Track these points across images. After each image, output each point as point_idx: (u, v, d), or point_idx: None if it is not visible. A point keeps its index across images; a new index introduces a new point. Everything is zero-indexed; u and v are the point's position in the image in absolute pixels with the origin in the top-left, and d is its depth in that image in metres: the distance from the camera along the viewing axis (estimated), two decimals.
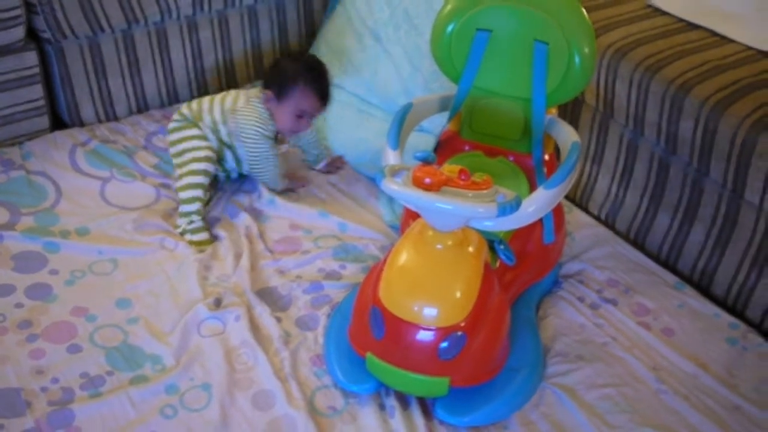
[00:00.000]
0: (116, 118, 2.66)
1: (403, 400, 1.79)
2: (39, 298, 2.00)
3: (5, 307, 1.96)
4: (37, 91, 2.49)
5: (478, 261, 1.73)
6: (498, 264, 1.86)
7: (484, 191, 1.60)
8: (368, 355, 1.76)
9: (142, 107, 2.70)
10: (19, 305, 1.97)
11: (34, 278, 2.05)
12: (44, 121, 2.55)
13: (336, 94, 2.69)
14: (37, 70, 2.46)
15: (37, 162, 2.42)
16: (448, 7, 1.91)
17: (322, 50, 2.78)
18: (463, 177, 1.61)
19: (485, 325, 1.72)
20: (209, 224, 2.24)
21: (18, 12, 2.31)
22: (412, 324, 1.69)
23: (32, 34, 2.43)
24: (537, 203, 1.73)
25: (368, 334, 1.76)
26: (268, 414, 1.75)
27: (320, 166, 2.49)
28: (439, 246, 1.71)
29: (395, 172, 1.66)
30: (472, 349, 1.71)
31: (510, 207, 1.59)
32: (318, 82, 2.26)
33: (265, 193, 2.34)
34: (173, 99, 2.74)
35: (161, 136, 2.56)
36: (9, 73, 2.40)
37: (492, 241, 1.84)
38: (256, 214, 2.31)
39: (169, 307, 1.99)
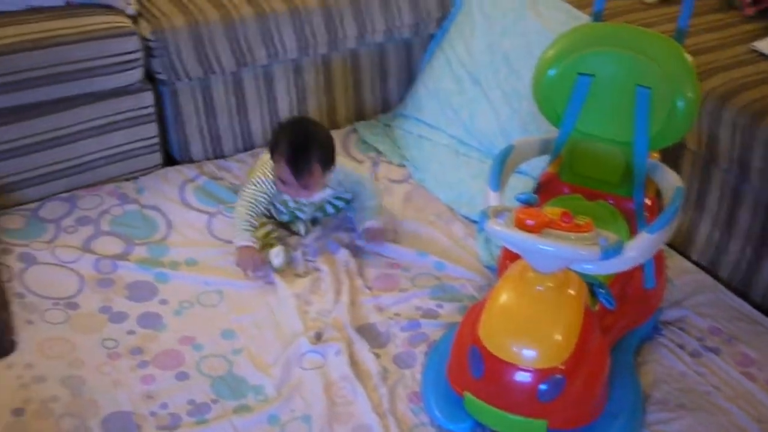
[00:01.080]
0: (223, 156, 2.77)
1: None
2: (150, 326, 2.09)
3: (119, 334, 2.06)
4: (152, 129, 2.62)
5: (578, 303, 1.73)
6: (597, 307, 1.86)
7: (586, 234, 1.61)
8: (466, 394, 1.78)
9: (248, 146, 2.80)
10: (131, 332, 2.07)
11: (146, 307, 2.15)
12: (157, 158, 2.67)
13: (434, 136, 2.76)
14: (152, 109, 2.59)
15: (149, 196, 2.54)
16: (551, 51, 1.94)
17: (420, 93, 2.85)
18: (565, 219, 1.63)
19: (585, 368, 1.72)
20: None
21: (138, 55, 2.45)
22: (512, 365, 1.70)
23: (149, 76, 2.57)
24: (639, 247, 1.73)
25: (467, 373, 1.78)
26: None
27: (360, 242, 2.39)
28: (539, 287, 1.73)
29: (498, 213, 1.69)
30: (571, 392, 1.71)
31: (613, 250, 1.59)
32: (288, 152, 2.18)
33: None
34: None
35: None
36: (127, 112, 2.54)
37: (592, 285, 1.84)
38: (356, 251, 2.36)
39: (272, 339, 2.06)
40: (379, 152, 2.81)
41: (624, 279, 1.96)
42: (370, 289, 2.25)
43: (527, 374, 1.70)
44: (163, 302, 2.17)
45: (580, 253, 1.58)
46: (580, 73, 1.90)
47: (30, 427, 1.79)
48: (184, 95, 2.64)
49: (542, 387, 1.69)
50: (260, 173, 2.30)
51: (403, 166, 2.74)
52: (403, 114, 2.93)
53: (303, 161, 2.18)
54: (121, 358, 2.00)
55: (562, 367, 1.69)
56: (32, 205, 2.48)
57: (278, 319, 2.12)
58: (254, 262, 2.23)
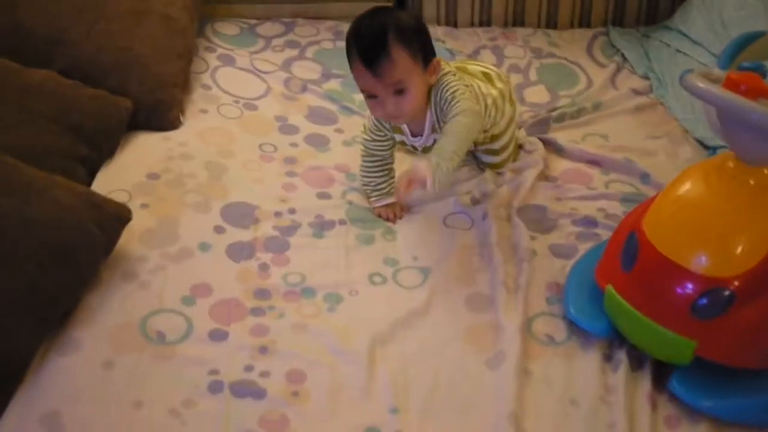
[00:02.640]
0: (455, 25, 2.58)
1: (637, 359, 1.45)
2: (315, 145, 2.00)
3: (282, 142, 1.99)
4: None
5: None
6: None
7: None
8: (608, 288, 1.45)
9: (483, 21, 2.58)
10: (294, 144, 2.00)
11: (320, 130, 2.07)
12: None
13: (693, 52, 2.39)
14: None
15: None
16: None
17: (693, 2, 2.45)
18: None
19: (765, 297, 1.33)
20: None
21: None
22: (671, 262, 1.35)
23: None
24: None
25: (616, 262, 1.45)
26: (475, 316, 1.53)
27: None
28: (736, 183, 1.36)
29: (707, 75, 1.34)
30: (737, 317, 1.32)
31: None
32: (357, 38, 1.63)
33: None
34: (518, 21, 2.59)
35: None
36: None
37: None
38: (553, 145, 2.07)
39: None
40: (624, 59, 2.46)
41: None
42: (556, 179, 1.95)
43: (686, 278, 1.33)
44: (339, 131, 2.07)
45: None
46: None
47: (157, 190, 1.75)
48: None
49: (701, 299, 1.32)
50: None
51: (647, 78, 2.37)
52: (667, 26, 2.55)
53: (376, 44, 1.58)
54: (273, 162, 1.92)
55: (734, 282, 1.31)
56: (253, 21, 2.48)
57: None
58: (390, 216, 1.78)
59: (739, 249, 1.32)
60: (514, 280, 1.61)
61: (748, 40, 1.55)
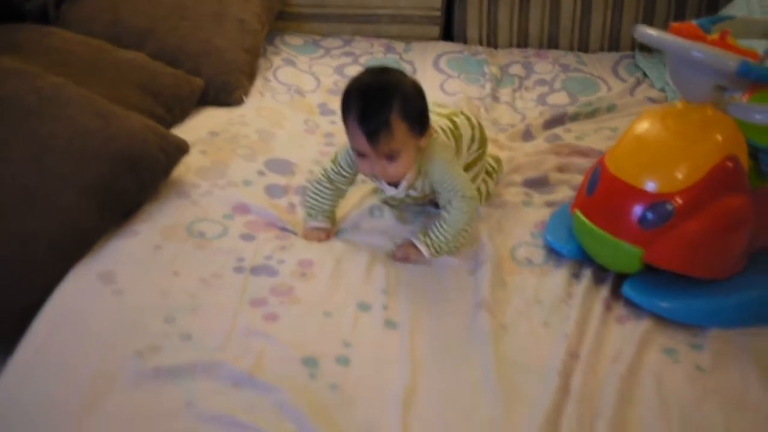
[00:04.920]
0: (496, 46, 2.90)
1: (600, 277, 1.69)
2: None
3: (324, 123, 2.32)
4: (437, 2, 2.85)
5: (715, 145, 1.56)
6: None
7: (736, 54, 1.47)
8: (576, 211, 1.70)
9: (522, 43, 2.89)
10: (333, 123, 2.31)
11: None
12: (435, 31, 2.90)
13: None
14: None
15: (412, 54, 2.77)
16: None
17: None
18: (720, 39, 1.51)
19: (705, 212, 1.55)
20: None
21: None
22: (624, 183, 1.60)
23: None
24: None
25: (583, 191, 1.71)
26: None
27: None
28: (682, 119, 1.61)
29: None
30: (678, 228, 1.55)
31: (756, 69, 1.44)
32: (358, 103, 1.60)
33: None
34: (552, 44, 2.89)
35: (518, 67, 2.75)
36: None
37: (756, 149, 1.64)
38: None
39: None
40: (645, 75, 2.71)
41: None
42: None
43: (634, 195, 1.58)
44: None
45: (716, 57, 1.45)
46: None
47: (215, 143, 2.10)
48: None
49: (648, 213, 1.56)
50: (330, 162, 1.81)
51: (664, 91, 2.62)
52: None
53: (378, 113, 1.57)
54: (315, 134, 2.24)
55: (676, 198, 1.55)
56: (318, 36, 2.86)
57: None
58: (320, 238, 1.78)
59: (681, 171, 1.56)
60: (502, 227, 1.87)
61: (718, 19, 1.81)
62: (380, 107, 1.59)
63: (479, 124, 1.96)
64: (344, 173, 1.78)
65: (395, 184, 1.75)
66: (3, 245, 1.58)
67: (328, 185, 1.80)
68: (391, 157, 1.63)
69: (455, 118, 1.86)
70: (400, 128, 1.60)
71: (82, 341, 1.44)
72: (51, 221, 1.63)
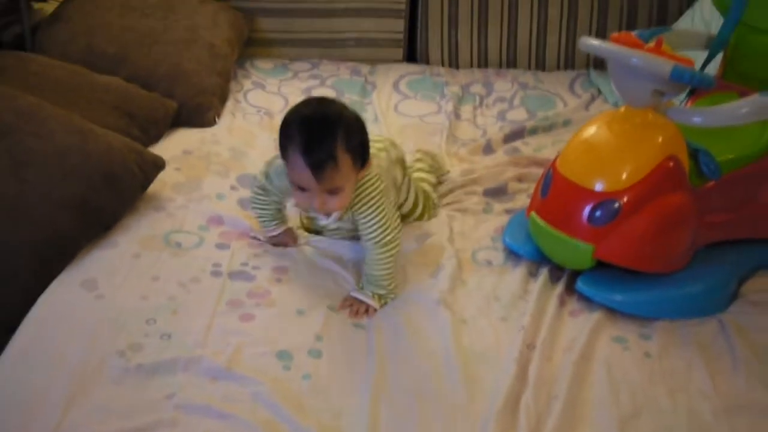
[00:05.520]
0: (457, 66, 3.03)
1: (556, 275, 1.80)
2: None
3: None
4: (400, 25, 2.98)
5: (656, 146, 1.68)
6: (708, 186, 1.77)
7: (671, 60, 1.60)
8: (532, 214, 1.81)
9: (483, 63, 3.02)
10: None
11: None
12: (399, 53, 3.03)
13: None
14: (404, 6, 2.95)
15: (376, 78, 2.88)
16: None
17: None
18: (656, 46, 1.64)
19: (649, 209, 1.67)
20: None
21: None
22: (574, 184, 1.72)
23: None
24: (751, 105, 1.64)
25: (537, 194, 1.82)
26: (425, 242, 1.90)
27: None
28: (626, 123, 1.73)
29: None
30: (625, 224, 1.67)
31: (688, 73, 1.57)
32: (303, 135, 1.55)
33: None
34: (511, 64, 3.02)
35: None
36: (383, 2, 2.93)
37: (697, 151, 1.77)
38: None
39: None
40: (600, 92, 2.85)
41: (761, 178, 1.83)
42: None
43: (584, 194, 1.70)
44: None
45: (651, 63, 1.58)
46: None
47: (189, 160, 2.19)
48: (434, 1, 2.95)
49: (596, 211, 1.68)
50: (255, 185, 1.82)
51: (616, 105, 2.75)
52: None
53: (322, 144, 1.53)
54: None
55: (622, 196, 1.66)
56: (286, 60, 2.97)
57: None
58: (288, 242, 1.84)
59: (625, 171, 1.68)
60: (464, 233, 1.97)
61: (654, 33, 1.95)
62: (324, 138, 1.54)
63: (391, 142, 1.93)
64: (274, 193, 1.77)
65: (327, 215, 1.71)
66: None
67: (264, 197, 1.80)
68: (333, 191, 1.59)
69: (382, 153, 1.83)
70: (344, 160, 1.56)
71: (67, 341, 1.52)
72: (32, 232, 1.71)
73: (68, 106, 2.06)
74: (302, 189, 1.60)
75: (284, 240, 1.85)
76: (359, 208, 1.68)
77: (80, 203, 1.78)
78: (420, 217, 1.99)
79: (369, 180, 1.69)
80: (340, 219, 1.74)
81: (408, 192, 1.94)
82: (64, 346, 1.51)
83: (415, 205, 1.97)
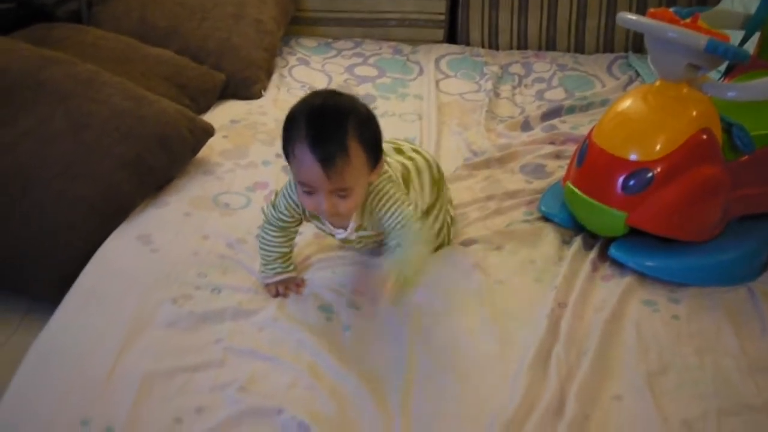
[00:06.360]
0: (497, 47, 3.08)
1: (589, 243, 1.85)
2: None
3: None
4: (442, 6, 3.04)
5: (690, 119, 1.73)
6: (742, 160, 1.81)
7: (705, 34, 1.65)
8: (567, 183, 1.87)
9: (522, 46, 3.08)
10: None
11: None
12: (440, 34, 3.09)
13: None
14: None
15: (418, 56, 2.96)
16: None
17: None
18: (691, 21, 1.68)
19: (681, 179, 1.71)
20: None
21: None
22: (609, 154, 1.77)
23: None
24: None
25: (573, 164, 1.88)
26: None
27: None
28: (661, 96, 1.78)
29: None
30: (657, 193, 1.71)
31: (723, 46, 1.61)
32: (311, 127, 1.40)
33: None
34: (551, 46, 3.07)
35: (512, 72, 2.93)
36: None
37: (731, 125, 1.81)
38: None
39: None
40: (638, 74, 2.88)
41: None
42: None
43: (619, 164, 1.75)
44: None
45: (686, 35, 1.62)
46: None
47: (236, 129, 2.29)
48: None
49: (630, 179, 1.73)
50: (271, 203, 1.63)
51: None
52: None
53: (333, 135, 1.39)
54: None
55: (655, 166, 1.71)
56: (330, 39, 3.05)
57: None
58: (283, 292, 1.64)
59: (659, 142, 1.73)
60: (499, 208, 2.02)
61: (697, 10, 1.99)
62: (336, 129, 1.39)
63: (436, 163, 1.80)
64: (286, 217, 1.59)
65: (343, 226, 1.59)
66: (47, 210, 1.76)
67: (274, 231, 1.62)
68: (342, 192, 1.44)
69: (407, 162, 1.70)
70: (357, 154, 1.41)
71: (123, 290, 1.61)
72: (90, 188, 1.80)
73: (122, 75, 2.16)
74: (309, 192, 1.45)
75: (283, 291, 1.63)
76: (378, 206, 1.53)
77: (135, 163, 1.88)
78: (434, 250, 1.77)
79: (381, 180, 1.54)
80: (357, 230, 1.59)
81: (435, 221, 1.76)
82: (120, 295, 1.60)
83: (436, 236, 1.78)
